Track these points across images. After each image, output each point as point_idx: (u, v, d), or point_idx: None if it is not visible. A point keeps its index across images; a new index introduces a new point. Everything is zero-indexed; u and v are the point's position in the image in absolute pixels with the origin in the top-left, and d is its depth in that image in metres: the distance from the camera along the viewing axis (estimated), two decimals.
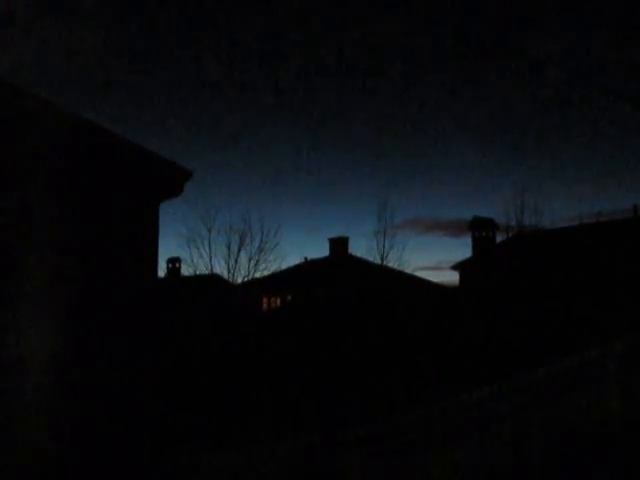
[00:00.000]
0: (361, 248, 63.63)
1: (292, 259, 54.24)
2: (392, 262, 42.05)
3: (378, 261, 41.95)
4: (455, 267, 35.92)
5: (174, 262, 44.32)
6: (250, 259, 41.34)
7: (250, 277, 41.21)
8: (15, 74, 7.71)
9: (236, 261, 41.13)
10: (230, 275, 41.26)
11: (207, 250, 40.98)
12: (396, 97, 52.84)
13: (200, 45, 45.88)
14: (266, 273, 41.60)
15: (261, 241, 41.23)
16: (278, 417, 11.14)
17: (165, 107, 51.02)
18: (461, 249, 70.00)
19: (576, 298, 19.19)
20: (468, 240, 37.07)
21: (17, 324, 6.99)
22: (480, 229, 36.32)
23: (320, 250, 49.51)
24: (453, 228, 61.20)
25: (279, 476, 7.79)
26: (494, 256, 33.23)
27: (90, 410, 7.34)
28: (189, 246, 41.22)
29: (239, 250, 41.13)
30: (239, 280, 41.08)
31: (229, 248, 41.07)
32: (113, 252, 7.82)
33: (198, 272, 41.10)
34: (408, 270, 41.71)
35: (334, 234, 43.73)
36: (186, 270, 42.90)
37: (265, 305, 38.90)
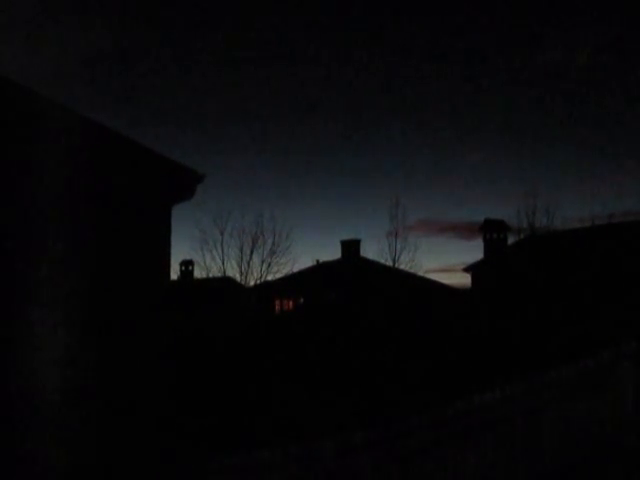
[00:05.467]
0: (373, 250, 63.65)
1: (304, 262, 54.22)
2: (404, 264, 42.10)
3: (390, 263, 41.97)
4: (467, 269, 35.87)
5: (187, 265, 44.51)
6: (262, 262, 41.47)
7: (262, 280, 41.32)
8: (24, 76, 7.74)
9: (248, 264, 41.27)
10: (242, 278, 41.41)
11: (220, 253, 41.18)
12: (407, 98, 52.82)
13: (212, 47, 46.05)
14: (278, 276, 41.72)
15: (273, 244, 41.38)
16: (287, 418, 11.18)
17: (177, 110, 51.18)
18: (472, 251, 70.03)
19: (589, 299, 19.15)
20: (479, 242, 37.02)
21: (30, 327, 7.04)
22: (491, 231, 36.25)
23: (332, 252, 49.53)
24: (464, 230, 61.10)
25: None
26: (506, 258, 33.16)
27: (102, 412, 7.38)
28: (202, 249, 41.41)
29: (251, 253, 41.29)
30: (251, 283, 41.22)
31: (242, 251, 41.24)
32: (126, 255, 7.86)
33: (211, 275, 41.27)
34: (420, 272, 41.75)
35: (346, 236, 43.83)
36: (199, 273, 43.08)
37: (277, 307, 38.98)
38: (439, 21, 46.99)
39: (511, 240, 36.82)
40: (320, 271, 41.57)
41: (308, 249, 78.27)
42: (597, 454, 10.56)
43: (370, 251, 57.35)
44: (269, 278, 41.43)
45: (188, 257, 44.02)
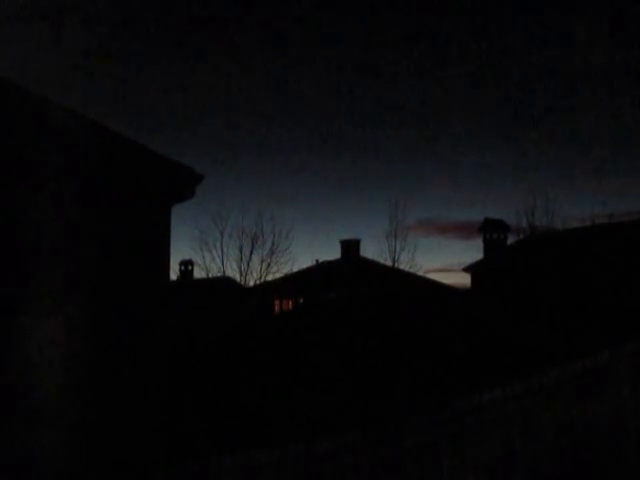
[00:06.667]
0: (372, 250, 63.84)
1: (304, 261, 54.41)
2: (403, 264, 42.19)
3: (390, 263, 42.04)
4: (466, 269, 35.85)
5: (187, 265, 44.59)
6: (262, 262, 41.57)
7: (262, 280, 41.36)
8: (23, 76, 7.77)
9: (248, 264, 41.37)
10: (242, 278, 41.48)
11: (219, 253, 41.26)
12: (407, 99, 52.84)
13: (211, 48, 46.07)
14: (278, 276, 41.78)
15: (273, 244, 41.47)
16: (286, 419, 11.18)
17: (177, 110, 51.20)
18: (472, 251, 70.20)
19: (588, 299, 19.16)
20: (479, 242, 37.05)
21: (29, 327, 7.05)
22: (491, 231, 36.28)
23: (332, 252, 49.64)
24: (464, 230, 61.24)
25: None
26: (505, 258, 33.18)
27: (100, 413, 7.39)
28: (202, 249, 41.52)
29: (251, 253, 41.39)
30: (251, 283, 41.29)
31: (241, 251, 41.34)
32: (125, 255, 7.88)
33: (211, 275, 41.31)
34: (419, 272, 41.83)
35: (345, 236, 43.91)
36: (199, 273, 43.16)
37: (277, 307, 39.03)
38: (440, 23, 47.02)
39: (511, 240, 36.90)
40: (320, 271, 41.62)
41: (308, 249, 78.53)
42: (596, 455, 10.56)
43: (370, 251, 57.70)
44: (269, 278, 41.52)
45: (188, 257, 44.19)
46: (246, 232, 41.64)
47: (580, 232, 31.21)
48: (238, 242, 41.59)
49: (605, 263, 22.87)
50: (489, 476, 9.33)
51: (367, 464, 8.18)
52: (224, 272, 41.56)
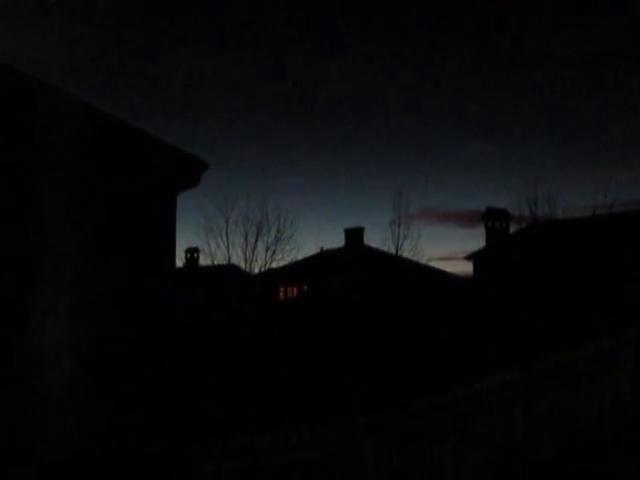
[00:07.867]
0: (376, 238, 63.84)
1: (308, 249, 54.40)
2: (407, 252, 42.21)
3: (393, 251, 42.09)
4: (469, 257, 35.96)
5: (192, 252, 44.74)
6: (267, 249, 41.52)
7: (267, 267, 41.40)
8: (27, 65, 7.81)
9: (253, 251, 41.34)
10: (247, 265, 41.49)
11: (225, 240, 41.25)
12: (410, 88, 52.76)
13: (216, 38, 46.06)
14: (282, 263, 41.81)
15: (277, 231, 41.36)
16: (291, 405, 11.31)
17: (182, 99, 51.21)
18: (474, 240, 69.99)
19: (589, 288, 19.24)
20: (481, 231, 37.18)
21: (37, 314, 7.10)
22: (493, 220, 36.39)
23: (336, 240, 49.67)
24: (466, 219, 61.11)
25: (291, 464, 7.90)
26: (507, 246, 33.26)
27: (110, 400, 7.47)
28: (207, 236, 41.52)
29: (256, 240, 41.32)
30: (256, 270, 41.30)
31: (246, 238, 41.27)
32: (131, 242, 7.93)
33: (216, 262, 41.39)
34: (422, 260, 41.87)
35: (350, 224, 43.94)
36: (204, 260, 43.27)
37: (282, 295, 39.15)
38: (441, 13, 46.91)
39: (513, 229, 36.98)
40: (324, 259, 41.69)
41: (312, 237, 78.67)
42: (596, 439, 10.70)
43: (373, 239, 57.66)
44: (273, 265, 41.56)
45: (193, 244, 44.27)
46: (251, 220, 41.61)
47: (581, 222, 31.25)
48: (243, 230, 41.54)
49: (606, 252, 22.94)
50: (490, 460, 9.46)
51: (370, 448, 8.31)
52: (229, 259, 41.63)
